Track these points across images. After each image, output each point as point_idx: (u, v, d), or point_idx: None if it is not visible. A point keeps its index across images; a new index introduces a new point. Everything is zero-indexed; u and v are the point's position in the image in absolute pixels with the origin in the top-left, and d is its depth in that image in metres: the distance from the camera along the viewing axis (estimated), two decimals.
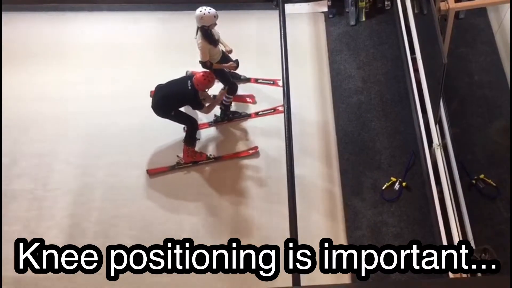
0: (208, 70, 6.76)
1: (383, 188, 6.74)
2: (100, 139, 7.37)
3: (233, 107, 7.47)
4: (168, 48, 8.10)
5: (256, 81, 7.73)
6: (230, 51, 7.04)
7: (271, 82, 7.65)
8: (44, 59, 8.02)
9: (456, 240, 5.76)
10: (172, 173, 7.09)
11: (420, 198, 6.64)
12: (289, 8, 7.89)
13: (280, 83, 7.24)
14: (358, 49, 7.87)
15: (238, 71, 7.38)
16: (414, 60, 7.01)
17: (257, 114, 7.51)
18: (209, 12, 6.56)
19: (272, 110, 7.45)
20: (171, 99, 6.80)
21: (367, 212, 6.63)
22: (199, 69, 6.92)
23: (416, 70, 6.93)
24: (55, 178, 7.11)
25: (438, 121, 6.45)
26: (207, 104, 6.99)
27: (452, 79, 7.12)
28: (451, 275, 5.59)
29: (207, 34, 6.67)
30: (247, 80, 7.72)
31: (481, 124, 7.00)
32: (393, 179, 6.76)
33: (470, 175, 6.57)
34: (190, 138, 7.01)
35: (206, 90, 6.83)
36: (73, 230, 6.74)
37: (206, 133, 7.39)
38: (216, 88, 7.21)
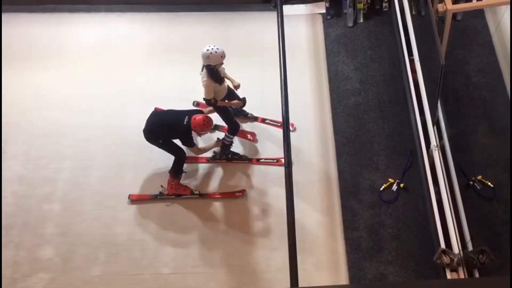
0: (209, 116, 6.54)
1: (381, 189, 6.74)
2: (95, 142, 7.34)
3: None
4: (165, 49, 8.07)
5: (263, 121, 7.38)
6: (238, 86, 6.78)
7: (278, 125, 7.23)
8: (41, 60, 7.99)
9: (454, 241, 5.78)
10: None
11: (417, 199, 6.65)
12: (287, 9, 7.91)
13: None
14: (356, 50, 7.88)
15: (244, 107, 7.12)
16: (411, 62, 7.04)
17: (258, 161, 7.12)
18: (216, 52, 6.24)
19: (275, 161, 7.07)
20: (163, 129, 6.61)
21: (364, 213, 6.63)
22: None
23: (413, 72, 6.96)
24: (50, 179, 7.09)
25: (436, 122, 6.47)
26: (200, 146, 6.86)
27: (449, 80, 7.14)
28: (449, 275, 5.62)
29: (213, 72, 6.39)
30: (254, 119, 7.40)
31: (479, 125, 7.02)
32: (391, 180, 6.77)
33: (468, 176, 6.58)
34: (176, 170, 6.76)
35: (200, 134, 6.69)
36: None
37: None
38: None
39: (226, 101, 6.78)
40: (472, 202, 6.41)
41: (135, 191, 6.95)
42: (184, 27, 8.29)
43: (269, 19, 7.89)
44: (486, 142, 6.90)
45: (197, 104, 7.33)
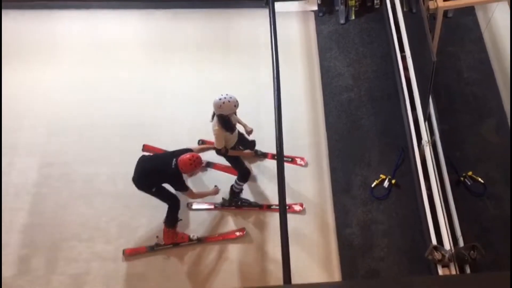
0: (196, 154, 6.04)
1: (373, 185, 6.76)
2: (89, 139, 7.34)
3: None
4: (157, 46, 8.06)
5: (273, 157, 6.93)
6: (250, 132, 6.57)
7: (290, 160, 6.94)
8: (31, 57, 7.96)
9: (445, 237, 5.80)
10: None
11: (409, 195, 6.67)
12: (279, 6, 7.85)
13: (299, 161, 6.97)
14: (348, 47, 7.90)
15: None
16: (403, 58, 7.06)
17: (269, 208, 6.76)
18: (229, 101, 5.92)
19: (287, 207, 6.34)
20: (152, 175, 6.14)
21: (356, 209, 6.65)
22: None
23: (405, 68, 6.98)
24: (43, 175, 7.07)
25: (427, 118, 6.49)
26: (195, 190, 6.39)
27: (441, 76, 7.17)
28: (440, 271, 5.64)
29: (224, 121, 6.06)
30: (264, 155, 7.05)
31: (470, 121, 7.06)
32: (383, 176, 6.79)
33: (459, 172, 6.61)
34: (171, 218, 6.38)
35: (190, 174, 6.29)
36: None
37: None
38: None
39: (239, 147, 6.54)
40: (463, 198, 6.44)
41: (129, 245, 6.56)
42: (176, 23, 8.27)
43: (261, 16, 7.87)
44: (477, 138, 6.94)
45: (202, 142, 7.04)
